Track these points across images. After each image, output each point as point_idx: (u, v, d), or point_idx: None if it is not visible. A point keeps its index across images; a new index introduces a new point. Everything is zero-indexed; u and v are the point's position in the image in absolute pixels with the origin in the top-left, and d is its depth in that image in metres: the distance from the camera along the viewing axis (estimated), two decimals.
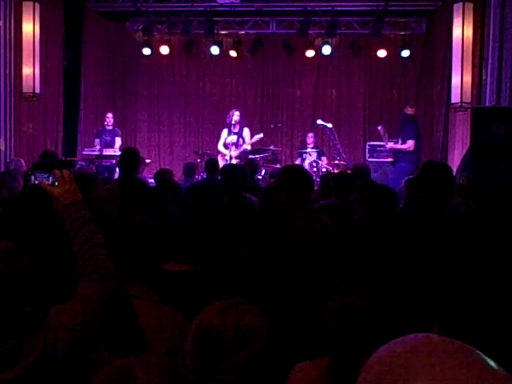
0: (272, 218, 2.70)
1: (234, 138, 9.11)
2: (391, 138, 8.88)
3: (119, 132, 9.77)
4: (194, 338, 1.49)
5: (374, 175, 7.80)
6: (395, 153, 8.66)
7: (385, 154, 9.08)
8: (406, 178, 5.51)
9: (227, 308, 1.52)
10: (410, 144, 8.46)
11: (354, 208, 4.22)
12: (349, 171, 6.86)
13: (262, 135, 9.31)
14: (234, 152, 8.97)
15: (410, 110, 9.09)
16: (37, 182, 1.84)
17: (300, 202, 3.27)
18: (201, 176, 8.30)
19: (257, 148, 9.32)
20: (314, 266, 2.83)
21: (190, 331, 1.51)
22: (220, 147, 9.31)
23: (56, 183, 1.80)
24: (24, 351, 1.41)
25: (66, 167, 2.04)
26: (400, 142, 8.61)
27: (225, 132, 9.32)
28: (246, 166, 7.01)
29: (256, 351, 1.49)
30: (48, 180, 1.82)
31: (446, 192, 2.85)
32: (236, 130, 9.17)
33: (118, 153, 7.40)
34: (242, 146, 9.09)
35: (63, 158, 8.43)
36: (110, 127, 9.55)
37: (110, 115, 9.67)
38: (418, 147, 8.55)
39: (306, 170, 4.03)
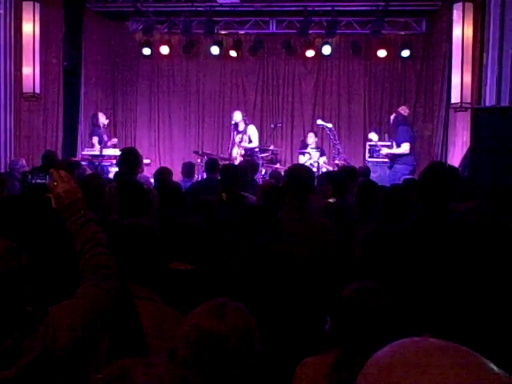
0: (266, 217, 2.70)
1: (238, 136, 9.19)
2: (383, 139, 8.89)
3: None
4: (193, 345, 1.43)
5: (372, 175, 7.80)
6: (391, 156, 8.65)
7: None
8: (402, 178, 5.48)
9: (219, 311, 1.48)
10: (405, 147, 8.42)
11: (351, 207, 4.22)
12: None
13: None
14: (239, 150, 9.04)
15: (405, 111, 9.06)
16: (34, 182, 1.82)
17: (297, 203, 3.25)
18: (201, 176, 8.29)
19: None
20: (308, 267, 2.83)
21: (185, 337, 1.46)
22: (233, 152, 9.36)
23: (55, 183, 1.78)
24: (23, 350, 1.41)
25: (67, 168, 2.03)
26: (394, 145, 8.58)
27: (233, 134, 9.39)
28: (247, 165, 7.03)
29: (257, 353, 1.48)
30: (45, 180, 1.80)
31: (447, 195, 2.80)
32: (241, 129, 9.24)
33: (119, 153, 7.37)
34: (245, 142, 9.14)
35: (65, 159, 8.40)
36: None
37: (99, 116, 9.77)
38: (412, 148, 8.53)
39: (306, 171, 3.63)
